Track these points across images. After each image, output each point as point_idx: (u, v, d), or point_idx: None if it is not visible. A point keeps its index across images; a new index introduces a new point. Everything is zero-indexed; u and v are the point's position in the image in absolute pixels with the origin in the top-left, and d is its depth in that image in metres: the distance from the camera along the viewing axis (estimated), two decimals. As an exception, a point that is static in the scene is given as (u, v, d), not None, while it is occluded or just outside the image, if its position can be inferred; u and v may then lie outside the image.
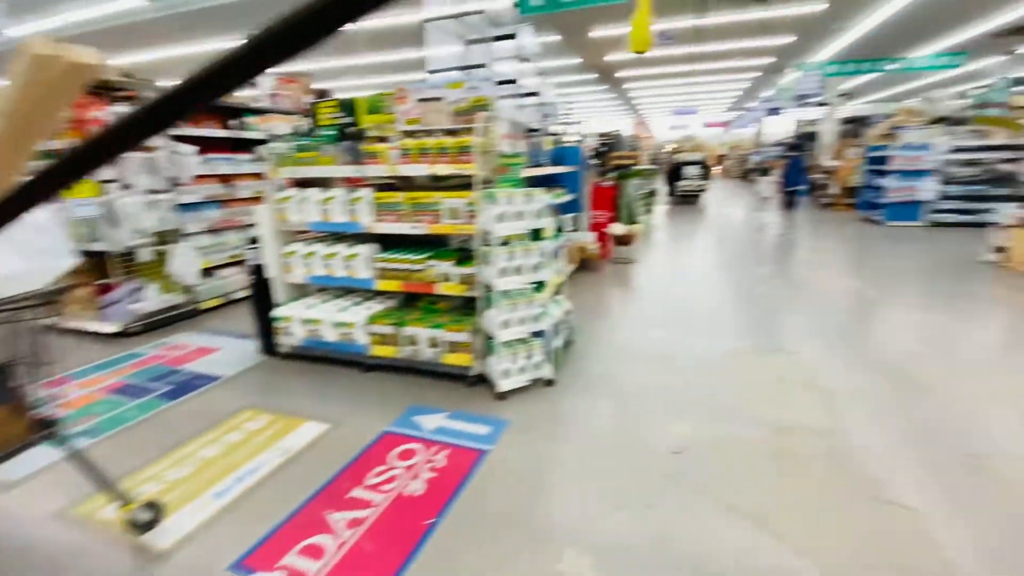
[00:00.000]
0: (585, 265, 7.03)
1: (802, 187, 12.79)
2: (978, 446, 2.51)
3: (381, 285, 3.58)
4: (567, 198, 6.66)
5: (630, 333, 4.36)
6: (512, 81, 4.33)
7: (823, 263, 6.90)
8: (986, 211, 9.11)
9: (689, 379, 3.41)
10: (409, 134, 3.39)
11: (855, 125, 20.19)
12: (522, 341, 3.20)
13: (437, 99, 3.82)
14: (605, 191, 7.59)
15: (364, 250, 3.62)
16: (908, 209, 9.38)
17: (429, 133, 3.32)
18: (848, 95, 16.93)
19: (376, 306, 3.76)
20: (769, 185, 13.17)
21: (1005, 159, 8.76)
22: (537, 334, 3.27)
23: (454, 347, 3.26)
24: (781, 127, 32.17)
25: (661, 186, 17.27)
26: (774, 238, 8.84)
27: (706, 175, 15.80)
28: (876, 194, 9.97)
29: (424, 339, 3.34)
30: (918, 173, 9.19)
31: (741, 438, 2.67)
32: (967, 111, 13.12)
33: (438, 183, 3.72)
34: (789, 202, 12.59)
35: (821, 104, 17.07)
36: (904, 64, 14.53)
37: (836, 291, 5.44)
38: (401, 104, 3.92)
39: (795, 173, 12.56)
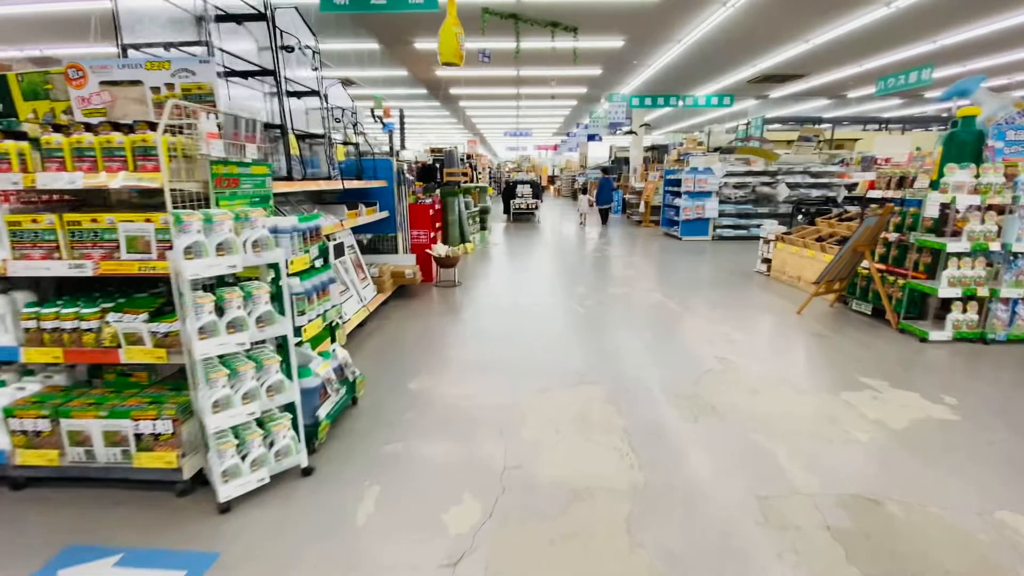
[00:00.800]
0: (404, 291, 6.29)
1: (612, 204, 14.41)
2: (769, 486, 2.37)
3: (32, 355, 2.34)
4: (379, 216, 5.87)
5: (435, 378, 3.72)
6: (269, 72, 3.41)
7: (633, 278, 7.23)
8: (755, 226, 10.80)
9: (491, 433, 2.86)
10: (61, 127, 2.26)
11: (656, 152, 23.27)
12: (260, 422, 2.30)
13: (135, 83, 2.73)
14: (428, 209, 6.97)
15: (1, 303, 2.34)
16: (699, 225, 10.64)
17: (92, 128, 2.24)
18: (649, 125, 19.28)
19: (34, 386, 2.48)
20: (587, 202, 14.60)
21: (764, 183, 10.47)
22: (286, 407, 2.40)
23: (149, 442, 2.21)
24: (601, 152, 35.91)
25: (497, 204, 17.48)
26: (593, 253, 9.20)
27: (537, 194, 16.41)
28: (675, 212, 11.18)
29: (98, 434, 2.21)
30: (704, 194, 10.48)
31: (534, 515, 2.16)
32: (734, 143, 15.91)
33: (149, 201, 2.62)
34: (603, 217, 14.16)
35: (630, 132, 19.15)
36: (689, 101, 17.07)
37: (644, 306, 5.58)
38: (77, 87, 2.73)
39: (606, 192, 14.12)
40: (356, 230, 6.15)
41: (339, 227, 4.33)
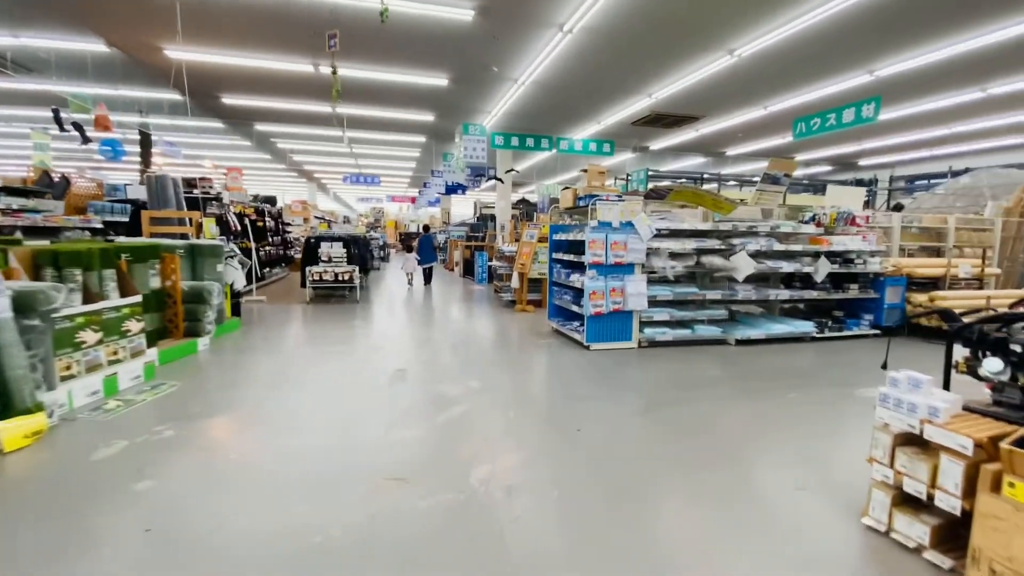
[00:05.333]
0: None
1: (433, 262, 13.11)
2: None
3: None
4: None
5: None
6: None
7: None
8: (701, 321, 6.38)
9: None
10: None
11: (526, 206, 19.40)
12: None
13: None
14: None
15: None
16: (617, 324, 5.88)
17: None
18: (516, 171, 15.17)
19: None
20: (414, 261, 12.61)
21: (710, 249, 6.17)
22: None
23: None
24: (466, 208, 31.92)
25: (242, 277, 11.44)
26: (405, 409, 3.74)
27: (362, 259, 10.75)
28: (571, 297, 6.36)
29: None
30: (622, 269, 5.82)
31: None
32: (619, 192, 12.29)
33: None
34: (425, 276, 12.90)
35: (493, 179, 14.80)
36: (564, 146, 13.36)
37: None
38: None
39: (427, 250, 12.84)
40: None
41: None
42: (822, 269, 6.47)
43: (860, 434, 3.39)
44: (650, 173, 16.01)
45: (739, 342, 6.26)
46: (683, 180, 16.38)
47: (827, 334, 6.70)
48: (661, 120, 12.71)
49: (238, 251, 7.15)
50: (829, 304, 7.13)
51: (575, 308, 6.11)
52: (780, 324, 6.54)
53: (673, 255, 6.05)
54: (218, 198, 9.12)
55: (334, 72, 5.78)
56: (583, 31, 7.20)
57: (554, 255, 6.87)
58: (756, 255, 6.21)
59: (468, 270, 15.10)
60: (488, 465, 2.91)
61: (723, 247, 6.22)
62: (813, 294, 6.64)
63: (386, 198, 35.71)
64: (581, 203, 5.95)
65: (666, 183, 9.67)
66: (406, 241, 33.81)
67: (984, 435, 1.95)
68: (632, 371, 5.02)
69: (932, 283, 7.37)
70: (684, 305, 6.40)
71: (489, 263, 12.84)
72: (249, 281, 9.15)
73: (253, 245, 9.86)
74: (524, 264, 8.69)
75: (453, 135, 14.35)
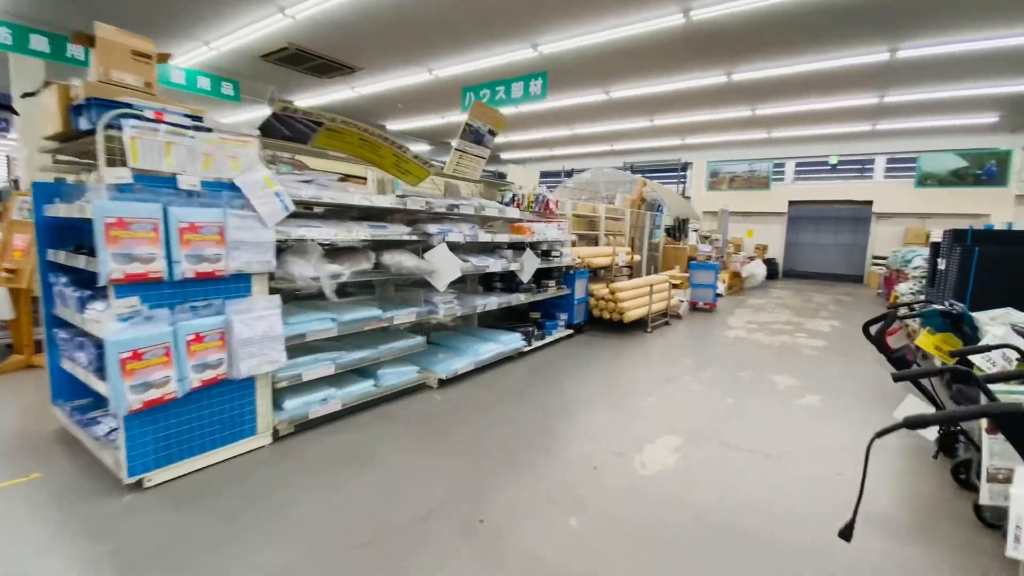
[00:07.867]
0: None
1: None
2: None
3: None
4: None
5: None
6: None
7: None
8: (385, 363, 3.85)
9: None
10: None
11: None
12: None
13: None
14: None
15: None
16: (215, 407, 2.67)
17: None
18: (34, 92, 8.81)
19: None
20: None
21: (395, 240, 3.69)
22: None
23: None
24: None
25: None
26: None
27: None
28: (91, 353, 2.69)
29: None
30: (218, 287, 2.62)
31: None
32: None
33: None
34: None
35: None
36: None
37: None
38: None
39: None
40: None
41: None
42: (528, 265, 4.99)
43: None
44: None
45: (443, 382, 4.09)
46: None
47: (534, 344, 5.36)
48: (305, 61, 9.43)
49: None
50: (523, 307, 5.86)
51: (102, 388, 2.52)
52: (488, 342, 4.72)
53: (334, 252, 3.24)
54: None
55: None
56: None
57: (49, 254, 2.94)
58: (455, 249, 4.11)
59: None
60: None
61: (415, 237, 3.83)
62: (521, 298, 5.13)
63: None
64: (82, 123, 2.32)
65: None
66: None
67: None
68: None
69: (594, 272, 7.18)
70: (360, 339, 3.72)
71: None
72: None
73: None
74: (15, 272, 4.10)
75: None
